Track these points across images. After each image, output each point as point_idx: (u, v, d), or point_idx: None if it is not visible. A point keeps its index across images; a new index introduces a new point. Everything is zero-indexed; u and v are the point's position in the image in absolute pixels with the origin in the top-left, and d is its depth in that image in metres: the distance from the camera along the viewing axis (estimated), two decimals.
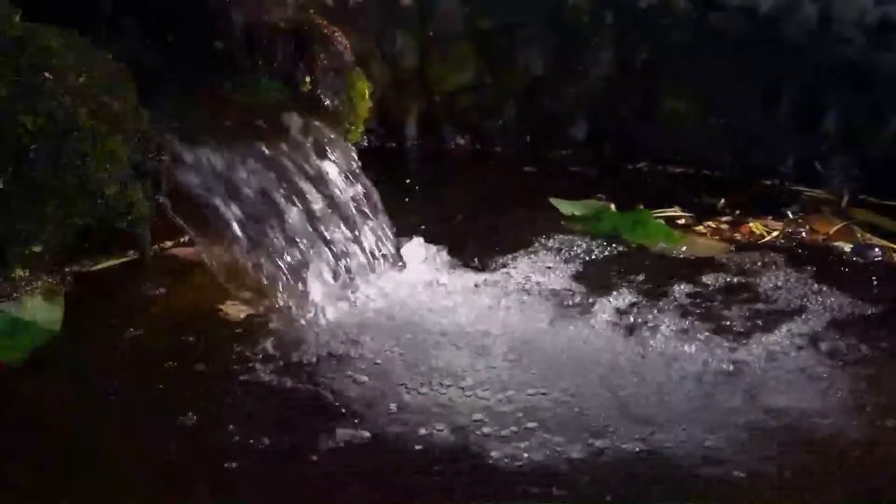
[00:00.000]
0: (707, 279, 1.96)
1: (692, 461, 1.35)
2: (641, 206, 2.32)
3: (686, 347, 1.66)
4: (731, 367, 1.60)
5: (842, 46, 2.53)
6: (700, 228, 2.27)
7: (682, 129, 2.76)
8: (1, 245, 1.55)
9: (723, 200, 2.45)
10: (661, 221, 2.27)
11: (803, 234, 2.24)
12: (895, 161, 2.50)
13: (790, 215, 2.35)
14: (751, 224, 2.28)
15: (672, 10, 2.73)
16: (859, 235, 2.22)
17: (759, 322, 1.77)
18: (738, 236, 2.23)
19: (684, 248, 2.15)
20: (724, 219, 2.32)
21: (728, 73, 2.68)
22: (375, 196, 1.98)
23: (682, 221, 2.31)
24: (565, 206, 2.37)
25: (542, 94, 2.91)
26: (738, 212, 2.37)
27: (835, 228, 2.26)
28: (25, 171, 1.49)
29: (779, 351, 1.67)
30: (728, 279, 1.96)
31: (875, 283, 1.98)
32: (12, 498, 1.25)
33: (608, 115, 2.87)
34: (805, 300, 1.87)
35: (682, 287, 1.91)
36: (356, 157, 2.01)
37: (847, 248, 2.16)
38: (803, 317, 1.79)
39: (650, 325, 1.74)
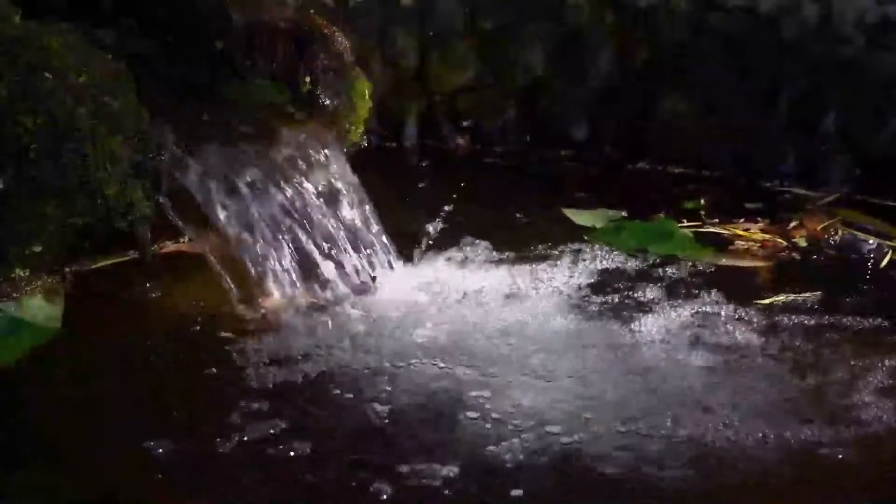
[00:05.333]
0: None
1: None
2: (663, 215, 2.27)
3: None
4: None
5: (842, 46, 2.53)
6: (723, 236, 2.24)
7: (681, 129, 2.76)
8: (1, 245, 1.55)
9: (702, 201, 2.44)
10: (689, 233, 2.21)
11: (798, 236, 2.24)
12: (894, 161, 2.50)
13: (758, 217, 2.34)
14: (738, 226, 2.27)
15: (672, 10, 2.73)
16: (840, 233, 2.21)
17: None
18: (769, 246, 2.18)
19: (724, 260, 2.07)
20: (746, 227, 2.27)
21: (728, 73, 2.68)
22: (367, 197, 1.99)
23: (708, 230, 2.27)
24: (579, 217, 2.29)
25: (542, 94, 2.91)
26: (711, 213, 2.36)
27: (821, 226, 2.25)
28: (26, 171, 1.49)
29: None
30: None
31: None
32: (11, 498, 1.24)
33: (608, 115, 2.87)
34: None
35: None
36: (352, 158, 2.01)
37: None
38: None
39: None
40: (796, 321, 1.78)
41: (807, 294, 1.90)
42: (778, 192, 2.59)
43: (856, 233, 2.21)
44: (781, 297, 1.88)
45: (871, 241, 2.15)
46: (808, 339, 1.72)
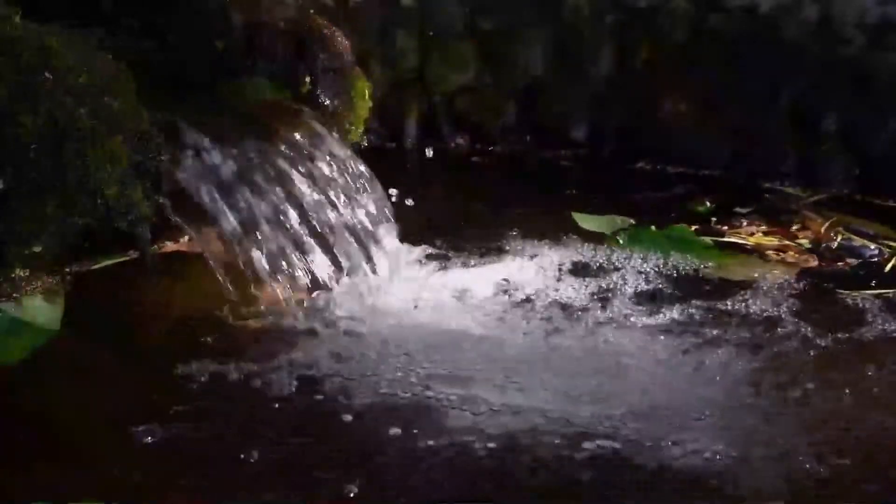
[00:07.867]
0: None
1: None
2: (682, 224, 2.24)
3: None
4: None
5: (842, 46, 2.53)
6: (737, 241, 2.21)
7: (681, 129, 2.76)
8: (1, 245, 1.55)
9: (707, 203, 2.43)
10: (709, 240, 2.16)
11: (802, 237, 2.23)
12: (894, 161, 2.50)
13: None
14: (742, 229, 2.26)
15: (672, 10, 2.73)
16: (839, 237, 2.21)
17: None
18: (798, 251, 2.15)
19: (757, 269, 2.00)
20: (750, 231, 2.25)
21: (728, 73, 2.68)
22: (378, 193, 1.98)
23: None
24: (587, 222, 2.24)
25: (542, 94, 2.91)
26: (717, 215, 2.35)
27: (824, 228, 2.25)
28: (26, 171, 1.49)
29: None
30: None
31: None
32: (10, 498, 1.24)
33: (608, 115, 2.87)
34: None
35: None
36: (356, 156, 2.01)
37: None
38: None
39: None
40: None
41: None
42: (775, 192, 2.58)
43: (852, 236, 2.21)
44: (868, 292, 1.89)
45: (872, 246, 2.15)
46: None
